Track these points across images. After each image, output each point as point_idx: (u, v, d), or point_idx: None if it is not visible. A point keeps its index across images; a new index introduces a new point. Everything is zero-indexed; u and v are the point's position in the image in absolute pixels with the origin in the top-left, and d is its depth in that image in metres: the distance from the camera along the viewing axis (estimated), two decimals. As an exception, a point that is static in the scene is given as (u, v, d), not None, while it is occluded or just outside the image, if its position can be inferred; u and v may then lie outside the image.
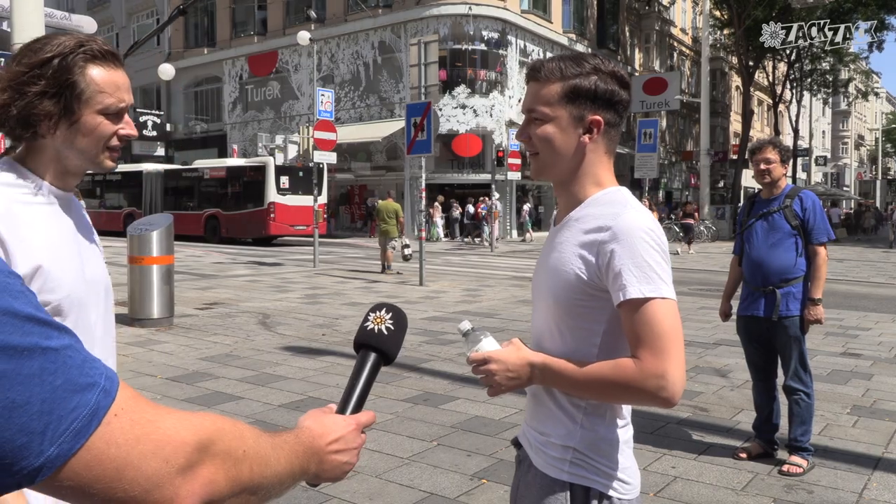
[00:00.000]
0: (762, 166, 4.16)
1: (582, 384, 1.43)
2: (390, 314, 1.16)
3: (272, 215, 23.03)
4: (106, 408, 0.61)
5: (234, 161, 25.93)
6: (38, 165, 1.41)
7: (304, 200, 22.61)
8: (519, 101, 28.26)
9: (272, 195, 23.10)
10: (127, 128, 1.45)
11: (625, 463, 1.50)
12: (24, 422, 0.56)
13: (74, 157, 1.41)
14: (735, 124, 49.05)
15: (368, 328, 1.14)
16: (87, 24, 9.25)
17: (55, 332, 0.60)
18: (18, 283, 0.60)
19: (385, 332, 1.13)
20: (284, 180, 23.23)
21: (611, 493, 1.47)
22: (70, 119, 1.36)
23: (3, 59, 6.22)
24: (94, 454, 0.60)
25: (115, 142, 1.44)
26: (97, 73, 1.37)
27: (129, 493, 0.62)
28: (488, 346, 1.50)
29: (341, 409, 1.05)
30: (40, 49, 1.34)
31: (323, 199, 20.66)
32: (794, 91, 45.02)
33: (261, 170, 23.34)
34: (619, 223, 1.40)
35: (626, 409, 1.54)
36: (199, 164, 26.27)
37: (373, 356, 1.12)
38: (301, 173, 23.45)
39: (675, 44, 45.16)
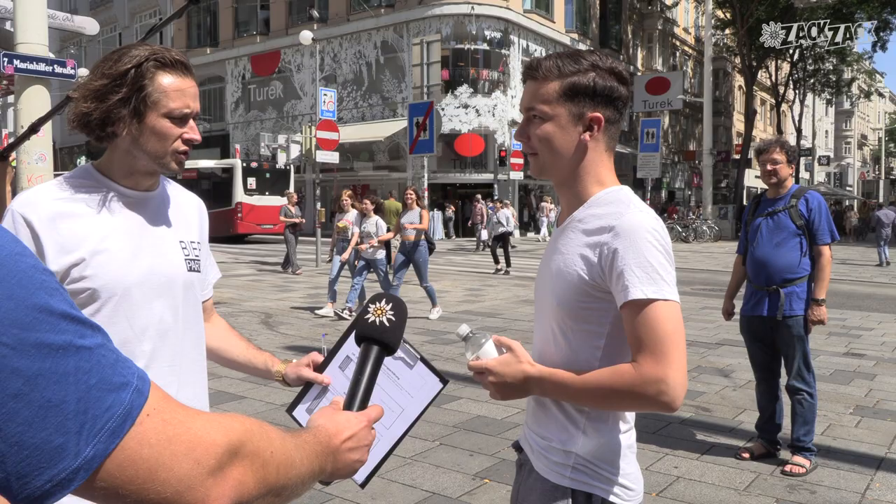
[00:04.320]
0: (769, 167, 4.16)
1: (581, 394, 1.40)
2: (390, 304, 1.14)
3: (239, 214, 24.24)
4: (139, 407, 0.61)
5: (206, 163, 27.24)
6: (110, 166, 1.53)
7: (271, 200, 24.00)
8: (521, 100, 28.22)
9: (239, 195, 24.34)
10: (191, 132, 1.53)
11: (627, 469, 1.48)
12: (60, 421, 0.55)
13: (142, 157, 1.50)
14: (738, 124, 48.97)
15: (369, 320, 1.12)
16: (89, 25, 9.27)
17: (89, 330, 0.60)
18: (53, 280, 0.60)
19: (386, 324, 1.12)
20: (251, 181, 24.49)
21: (613, 499, 1.45)
22: (139, 121, 1.46)
23: (5, 59, 6.23)
24: (127, 454, 0.59)
25: (180, 146, 1.52)
26: (165, 79, 1.47)
27: (162, 494, 0.61)
28: (489, 350, 1.48)
29: (348, 405, 1.04)
30: (118, 61, 1.45)
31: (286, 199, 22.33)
32: (797, 91, 44.94)
33: (229, 171, 24.65)
34: (622, 223, 1.38)
35: (630, 414, 1.52)
36: None
37: (375, 349, 1.11)
38: (268, 174, 24.78)
39: (678, 43, 45.11)
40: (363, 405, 1.05)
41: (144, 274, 1.51)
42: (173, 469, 0.62)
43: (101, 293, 1.45)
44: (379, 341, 1.11)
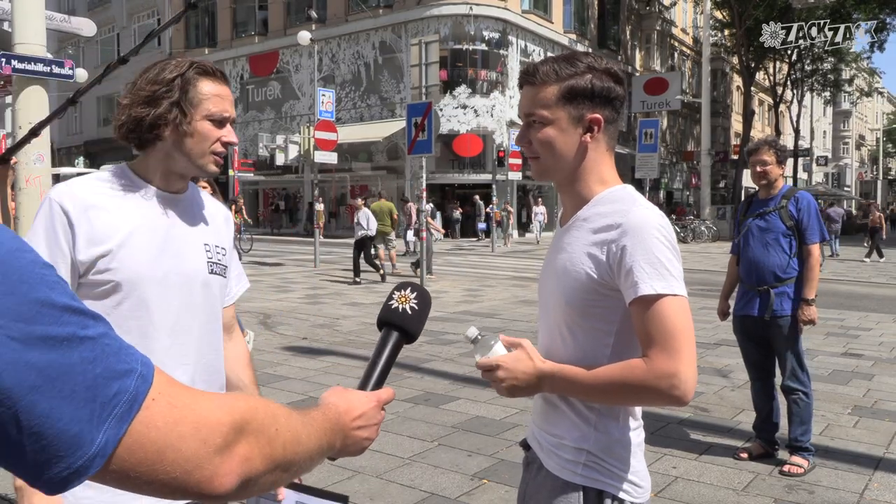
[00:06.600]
0: (758, 168, 4.16)
1: (593, 390, 1.41)
2: (415, 293, 1.17)
3: None
4: (145, 392, 0.63)
5: None
6: (146, 168, 1.60)
7: None
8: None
9: None
10: (229, 136, 1.61)
11: (636, 466, 1.50)
12: (72, 411, 0.57)
13: (181, 159, 1.58)
14: (736, 124, 49.02)
15: (393, 306, 1.15)
16: (86, 26, 9.27)
17: (91, 320, 0.62)
18: (53, 273, 0.62)
19: (409, 312, 1.15)
20: None
21: (624, 496, 1.46)
22: (184, 123, 1.54)
23: (3, 59, 6.23)
24: (135, 438, 0.62)
25: (219, 147, 1.60)
26: (206, 85, 1.58)
27: (171, 474, 0.64)
28: (499, 351, 1.49)
29: (362, 385, 1.07)
30: (163, 70, 1.55)
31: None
32: (794, 91, 44.97)
33: None
34: (629, 220, 1.39)
35: (639, 411, 1.53)
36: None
37: (395, 334, 1.14)
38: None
39: (676, 44, 45.14)
40: (377, 386, 1.08)
41: (165, 272, 1.56)
42: (181, 449, 0.64)
43: (124, 286, 1.50)
44: (400, 327, 1.14)
